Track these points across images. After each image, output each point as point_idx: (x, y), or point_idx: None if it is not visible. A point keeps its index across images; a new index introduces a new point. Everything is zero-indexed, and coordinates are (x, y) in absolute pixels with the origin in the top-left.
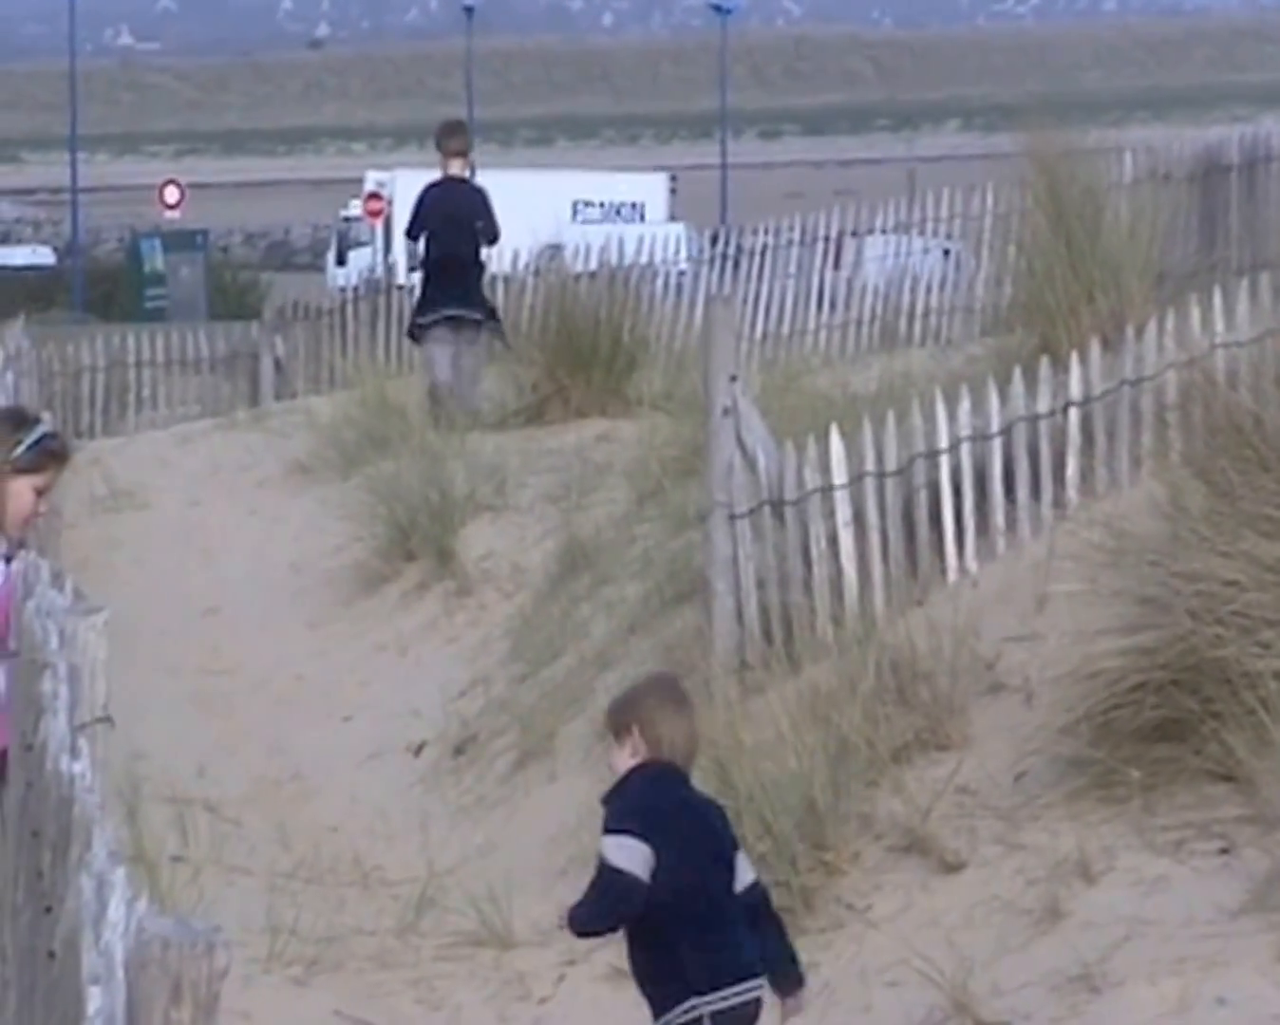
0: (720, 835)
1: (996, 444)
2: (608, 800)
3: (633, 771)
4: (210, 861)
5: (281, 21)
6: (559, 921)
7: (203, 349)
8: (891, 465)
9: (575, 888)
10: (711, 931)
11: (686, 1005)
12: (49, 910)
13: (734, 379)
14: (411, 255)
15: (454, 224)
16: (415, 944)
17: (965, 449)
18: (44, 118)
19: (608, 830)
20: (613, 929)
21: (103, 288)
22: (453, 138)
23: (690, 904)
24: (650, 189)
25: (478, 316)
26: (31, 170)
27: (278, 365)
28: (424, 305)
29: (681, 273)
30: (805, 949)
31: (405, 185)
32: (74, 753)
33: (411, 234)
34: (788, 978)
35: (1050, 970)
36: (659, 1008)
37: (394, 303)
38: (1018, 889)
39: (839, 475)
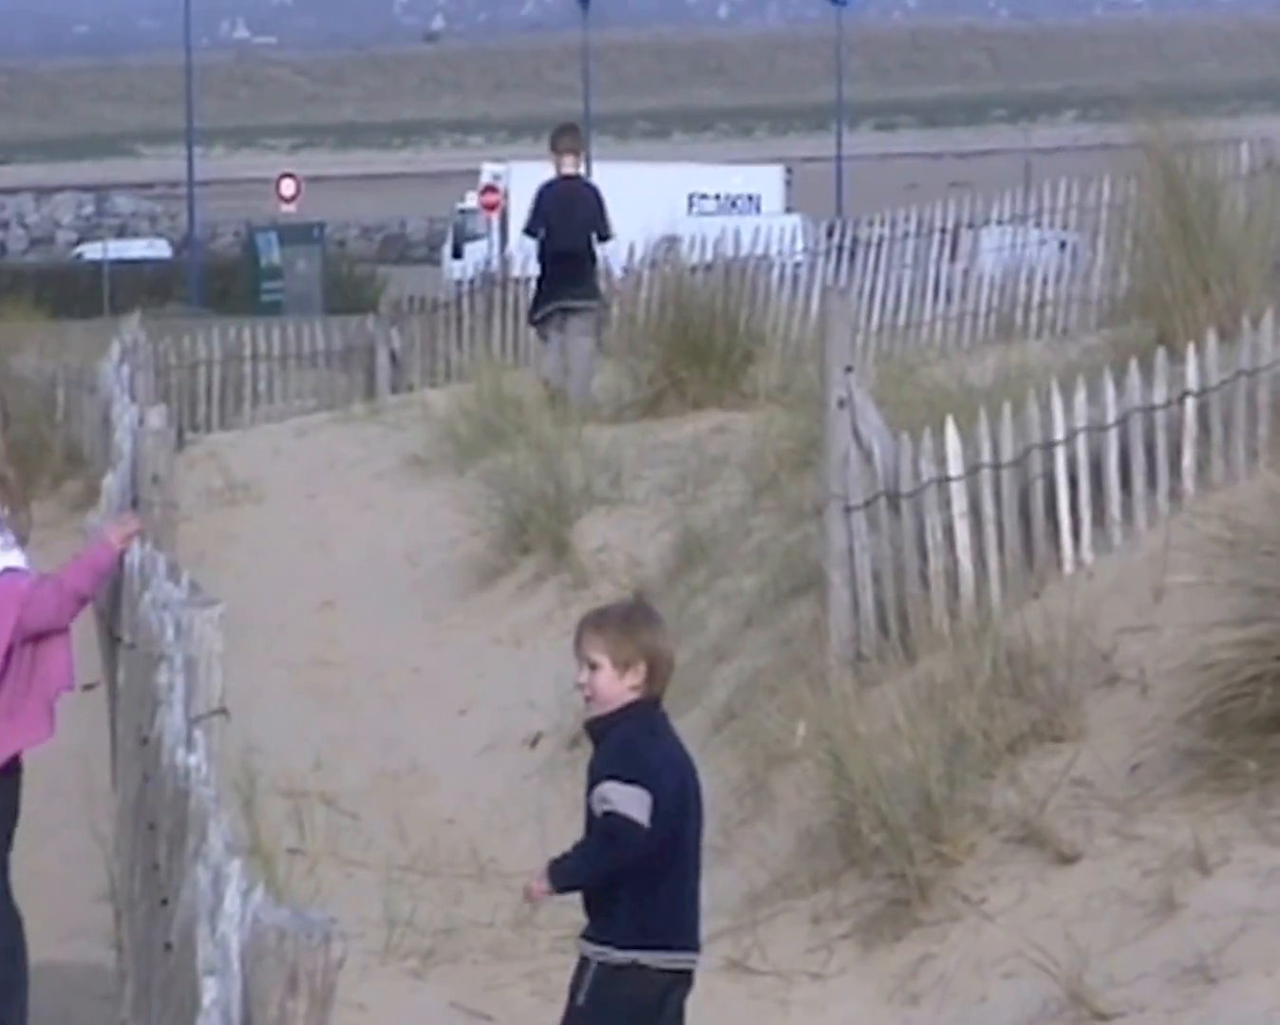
0: (698, 784)
1: (1112, 435)
2: (600, 736)
3: (629, 711)
4: (327, 854)
5: (397, 15)
6: (535, 886)
7: (319, 342)
8: (1007, 457)
9: None
10: (679, 887)
11: (632, 954)
12: (165, 902)
13: (850, 371)
14: (525, 252)
15: (569, 220)
16: (531, 936)
17: (1081, 440)
18: (160, 112)
19: (614, 777)
20: (604, 882)
21: (219, 281)
22: (564, 137)
23: (668, 855)
24: (766, 181)
25: (590, 306)
26: (148, 164)
27: (394, 358)
28: (540, 299)
29: (797, 265)
30: (921, 940)
31: (521, 178)
32: (190, 745)
33: (530, 231)
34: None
35: (1166, 961)
36: (601, 937)
37: (509, 295)
38: (1133, 880)
39: (955, 467)
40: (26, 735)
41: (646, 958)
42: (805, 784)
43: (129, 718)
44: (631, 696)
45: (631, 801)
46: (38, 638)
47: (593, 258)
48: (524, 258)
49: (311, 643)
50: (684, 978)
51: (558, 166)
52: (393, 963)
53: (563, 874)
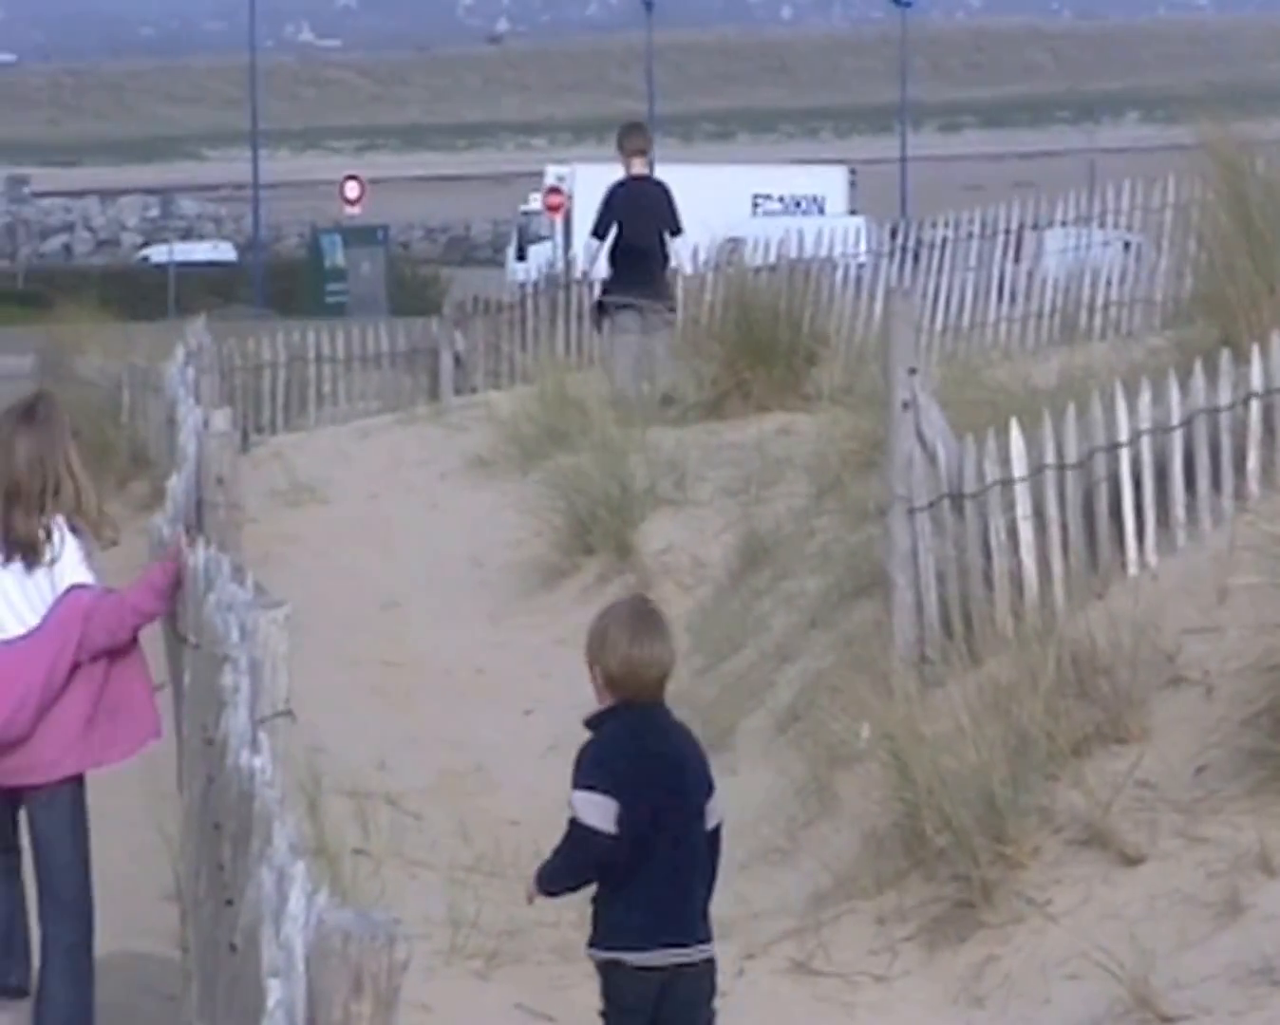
0: (689, 784)
1: (1177, 436)
2: (591, 726)
3: (607, 714)
4: (391, 855)
5: (461, 16)
6: (529, 889)
7: (383, 344)
8: (1071, 458)
9: (755, 880)
10: (661, 887)
11: (612, 954)
12: (230, 903)
13: (914, 372)
14: (592, 253)
15: (640, 219)
16: None
17: (1145, 441)
18: (225, 114)
19: (578, 784)
20: (578, 886)
21: (283, 283)
22: (632, 137)
23: (648, 857)
24: (830, 182)
25: (660, 306)
26: (213, 166)
27: (458, 360)
28: (609, 291)
29: (861, 266)
30: (985, 942)
31: (585, 179)
32: (255, 747)
33: (599, 233)
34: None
35: (1231, 963)
36: (591, 939)
37: (573, 297)
38: (1198, 882)
39: (1019, 468)
40: (120, 748)
41: (629, 957)
42: (869, 785)
43: (194, 719)
44: (612, 699)
45: (592, 810)
46: (110, 655)
47: (665, 256)
48: (588, 259)
49: (376, 643)
50: (683, 973)
51: (626, 167)
52: (457, 964)
53: (542, 878)
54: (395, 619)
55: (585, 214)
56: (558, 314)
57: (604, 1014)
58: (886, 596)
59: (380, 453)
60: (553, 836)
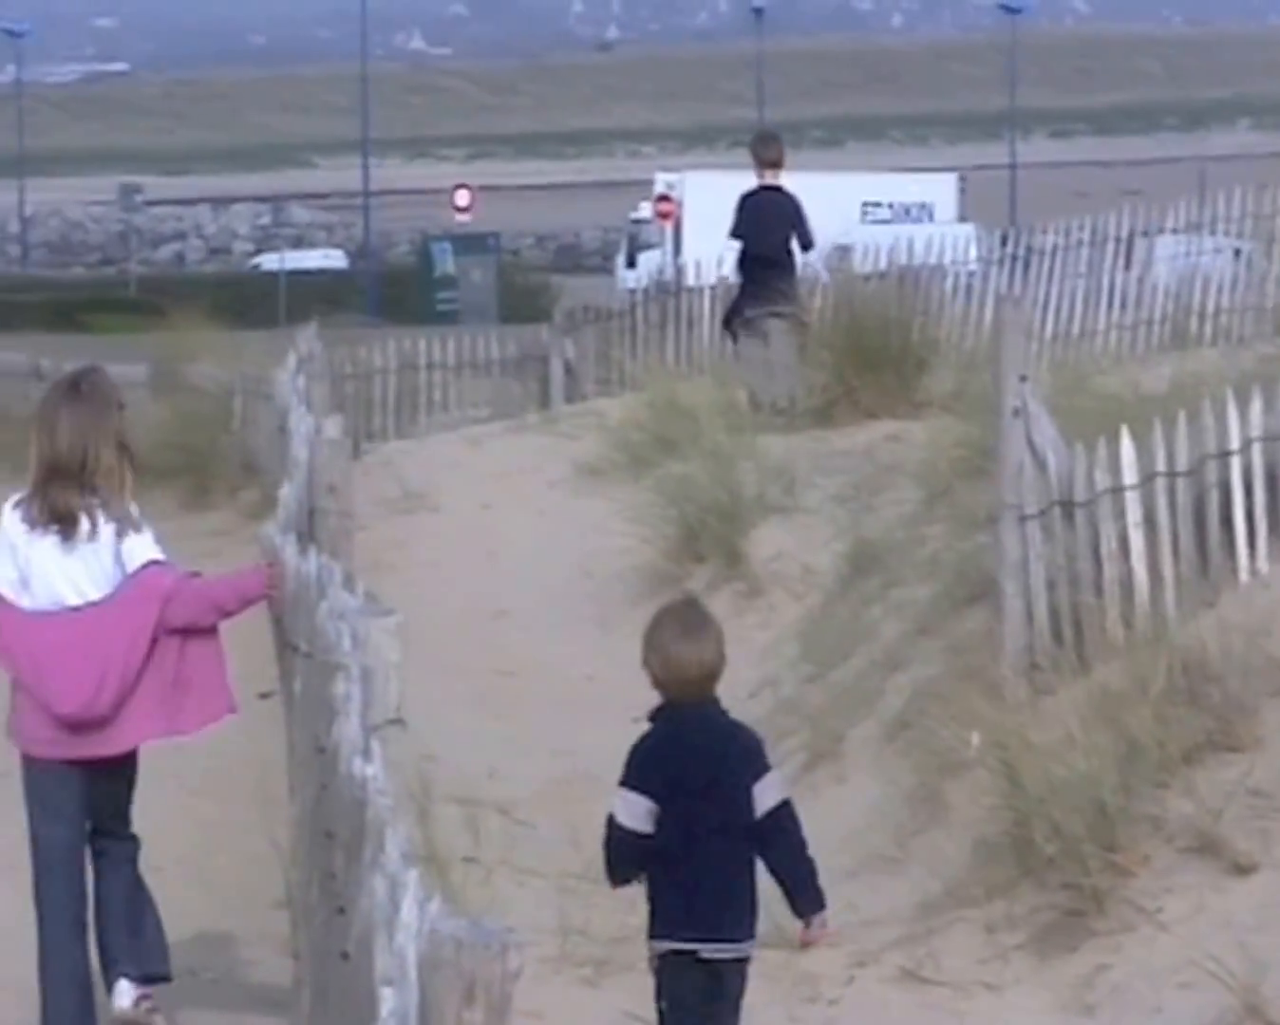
0: (726, 781)
1: None
2: (650, 722)
3: (657, 711)
4: (501, 863)
5: (571, 25)
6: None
7: (493, 352)
8: (1182, 466)
9: (866, 888)
10: (699, 880)
11: (657, 944)
12: (342, 911)
13: (1024, 380)
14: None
15: (768, 229)
16: None
17: (1257, 449)
18: (336, 122)
19: (620, 781)
20: (625, 880)
21: (394, 291)
22: (766, 148)
23: (684, 851)
24: (939, 189)
25: (790, 311)
26: (324, 174)
27: (568, 368)
28: (740, 300)
29: (971, 273)
30: (1096, 950)
31: (694, 187)
32: (367, 755)
33: (737, 234)
34: (802, 901)
35: None
36: (651, 928)
37: (684, 305)
38: None
39: (1129, 476)
40: (194, 718)
41: (687, 947)
42: (979, 793)
43: (306, 727)
44: (661, 699)
45: (627, 808)
46: (185, 631)
47: (792, 265)
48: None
49: (485, 651)
50: (728, 967)
51: (759, 176)
52: (567, 971)
53: (605, 871)
54: (505, 627)
55: (695, 221)
56: (668, 321)
57: (661, 1011)
58: (996, 604)
59: (490, 460)
60: None
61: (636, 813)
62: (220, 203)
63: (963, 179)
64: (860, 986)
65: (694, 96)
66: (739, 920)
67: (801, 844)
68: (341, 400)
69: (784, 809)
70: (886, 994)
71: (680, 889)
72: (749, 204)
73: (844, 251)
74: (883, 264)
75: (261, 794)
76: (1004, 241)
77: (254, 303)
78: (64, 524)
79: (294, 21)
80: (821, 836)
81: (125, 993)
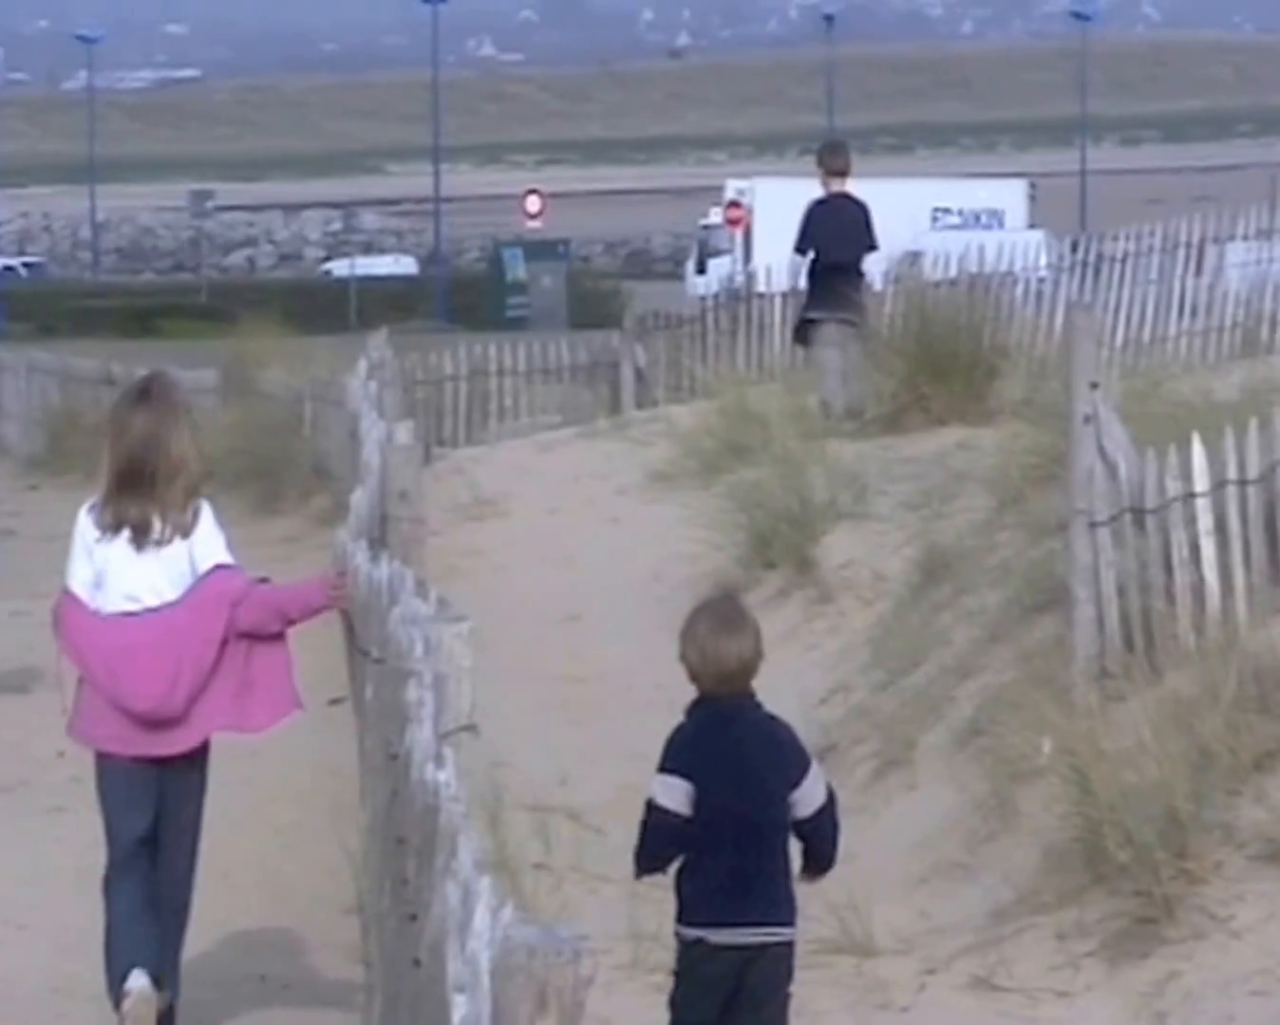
0: (761, 774)
1: None
2: (687, 714)
3: (694, 704)
4: (572, 869)
5: (642, 32)
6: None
7: (564, 358)
8: (1253, 473)
9: (936, 895)
10: (737, 868)
11: (688, 930)
12: (414, 918)
13: (1095, 386)
14: (796, 268)
15: (840, 236)
16: None
17: None
18: (407, 128)
19: (658, 768)
20: (659, 866)
21: (465, 297)
22: (835, 157)
23: (723, 840)
24: (1009, 196)
25: (859, 318)
26: (395, 181)
27: (638, 374)
28: (811, 307)
29: (1041, 280)
30: (1167, 958)
31: (765, 194)
32: (439, 762)
33: (801, 249)
34: (818, 869)
35: None
36: (676, 917)
37: (754, 311)
38: None
39: (1200, 483)
40: (262, 716)
41: (712, 934)
42: (1050, 800)
43: (377, 733)
44: (698, 691)
45: (667, 791)
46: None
47: (860, 273)
48: (792, 274)
49: (556, 657)
50: (763, 953)
51: (825, 185)
52: (639, 978)
53: (634, 858)
54: (576, 633)
55: (765, 228)
56: (738, 328)
57: (674, 994)
58: (1067, 611)
59: (561, 466)
60: None
61: (676, 796)
62: (291, 209)
63: (1033, 185)
64: (931, 994)
65: (764, 103)
66: (768, 908)
67: (837, 829)
68: (412, 406)
69: (831, 804)
70: (958, 1001)
71: (708, 877)
72: (819, 212)
73: (914, 258)
74: (953, 271)
75: (332, 800)
76: (1074, 248)
77: (325, 309)
78: (137, 528)
79: (365, 28)
80: (893, 843)
81: (140, 978)
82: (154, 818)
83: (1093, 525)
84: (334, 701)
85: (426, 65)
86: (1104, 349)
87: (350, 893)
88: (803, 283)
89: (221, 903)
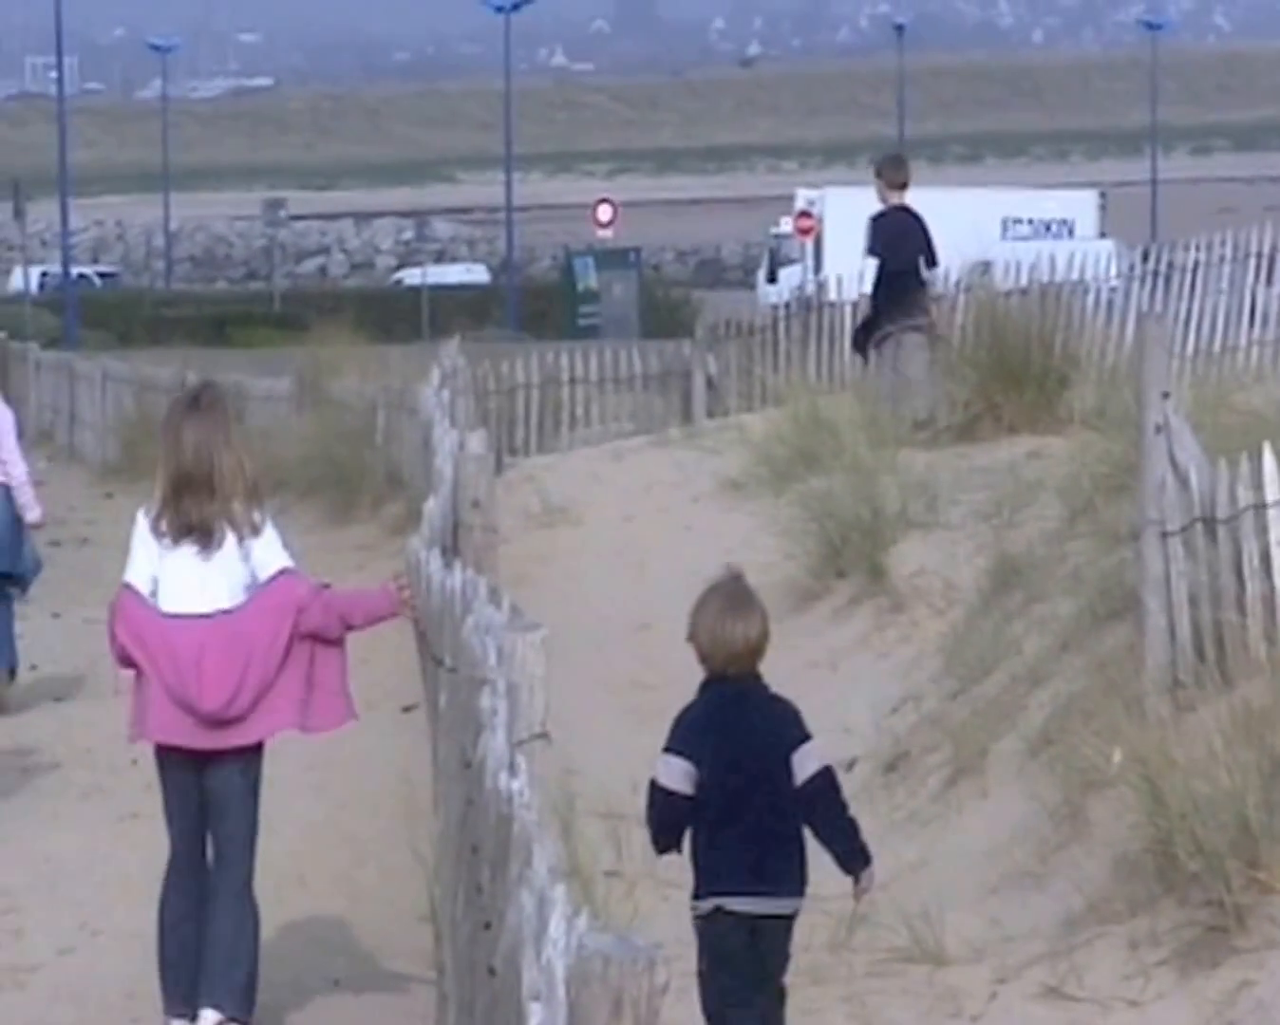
0: (764, 750)
1: None
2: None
3: (703, 685)
4: (644, 876)
5: (713, 40)
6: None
7: (635, 366)
8: None
9: (1008, 904)
10: (745, 841)
11: (704, 902)
12: (488, 926)
13: (1166, 396)
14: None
15: (902, 249)
16: (847, 960)
17: None
18: (479, 137)
19: (664, 748)
20: (668, 843)
21: (536, 305)
22: (897, 170)
23: (729, 812)
24: (1080, 205)
25: (922, 324)
26: (467, 189)
27: (710, 382)
28: (880, 319)
29: (1112, 289)
30: (1239, 967)
31: (835, 203)
32: (513, 770)
33: (873, 251)
34: (850, 860)
35: None
36: (695, 889)
37: (825, 320)
38: None
39: (1272, 492)
40: (324, 718)
41: (727, 902)
42: (1121, 810)
43: (451, 741)
44: (707, 672)
45: (668, 772)
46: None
47: (922, 282)
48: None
49: (629, 664)
50: (771, 924)
51: (885, 198)
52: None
53: (650, 838)
54: (648, 640)
55: (835, 237)
56: (809, 336)
57: (702, 972)
58: (1138, 620)
59: (633, 475)
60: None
61: (675, 775)
62: (363, 217)
63: (1103, 195)
64: (1003, 1002)
65: (835, 112)
66: (778, 879)
67: (842, 807)
68: (484, 414)
69: (823, 776)
70: (1029, 1010)
71: (721, 850)
72: (882, 224)
73: (985, 268)
74: (1024, 280)
75: (405, 807)
76: (1145, 258)
77: (397, 317)
78: (195, 534)
79: (438, 37)
80: (964, 851)
81: (210, 1021)
82: (205, 815)
83: (1164, 535)
84: (407, 709)
85: (499, 74)
86: (1174, 359)
87: (423, 900)
88: (868, 289)
89: (296, 908)
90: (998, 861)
